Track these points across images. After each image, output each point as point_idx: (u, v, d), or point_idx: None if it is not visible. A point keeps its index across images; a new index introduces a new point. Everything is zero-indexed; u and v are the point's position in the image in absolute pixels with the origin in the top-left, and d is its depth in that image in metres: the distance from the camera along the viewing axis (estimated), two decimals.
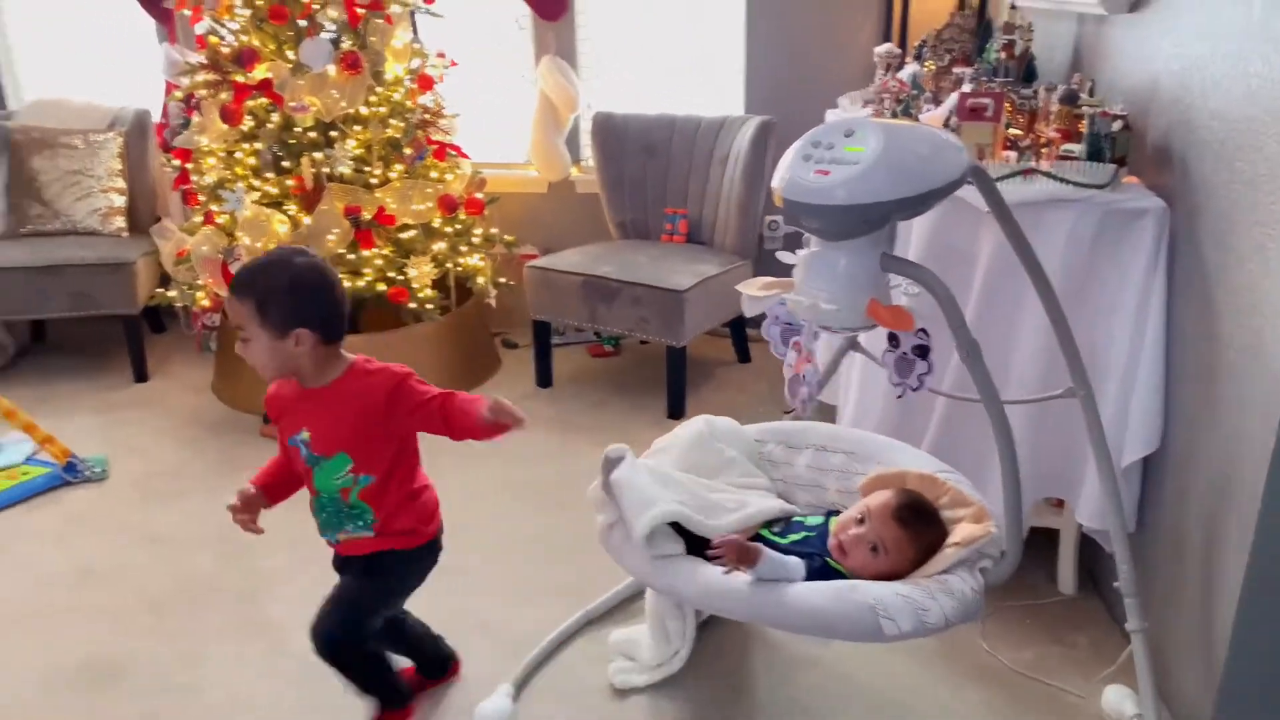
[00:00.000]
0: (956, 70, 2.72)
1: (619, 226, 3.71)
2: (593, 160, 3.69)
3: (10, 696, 2.00)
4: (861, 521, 1.67)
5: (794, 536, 1.76)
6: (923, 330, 1.43)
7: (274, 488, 1.83)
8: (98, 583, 2.38)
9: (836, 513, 1.79)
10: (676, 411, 3.24)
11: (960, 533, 1.64)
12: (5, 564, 2.45)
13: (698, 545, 1.65)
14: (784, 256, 1.50)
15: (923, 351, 1.47)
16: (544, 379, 3.50)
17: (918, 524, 1.66)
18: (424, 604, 2.24)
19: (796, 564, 1.59)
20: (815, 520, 1.79)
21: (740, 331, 3.65)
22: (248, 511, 1.78)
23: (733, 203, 3.41)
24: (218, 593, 2.35)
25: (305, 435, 1.72)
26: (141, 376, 3.53)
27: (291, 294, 1.63)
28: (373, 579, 1.81)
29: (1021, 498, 1.55)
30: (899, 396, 1.53)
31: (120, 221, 3.60)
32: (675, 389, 3.23)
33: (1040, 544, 2.22)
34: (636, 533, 1.60)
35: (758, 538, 1.72)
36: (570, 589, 2.29)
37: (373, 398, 1.68)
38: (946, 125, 2.23)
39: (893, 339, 1.50)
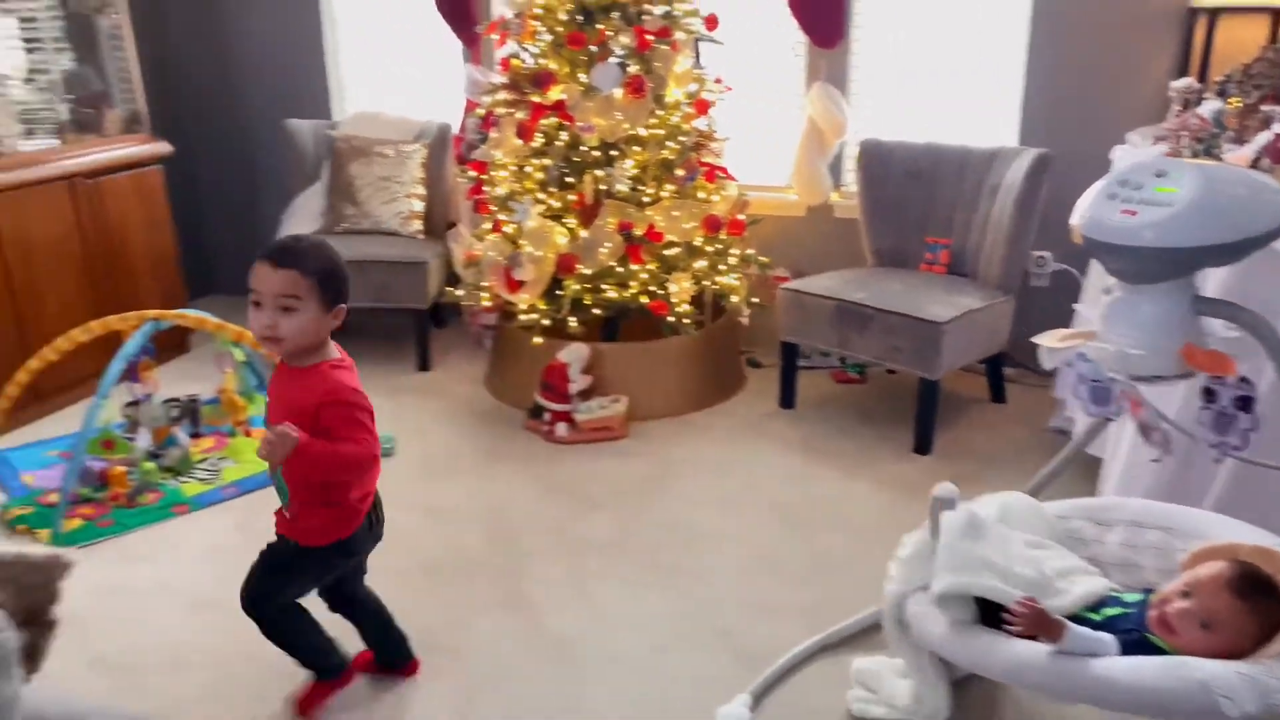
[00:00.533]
0: (1265, 108, 2.54)
1: (876, 253, 3.70)
2: (855, 186, 3.71)
3: None
4: (1188, 594, 1.51)
5: (1109, 612, 1.63)
6: (1244, 379, 1.31)
7: None
8: (383, 545, 2.65)
9: (1154, 590, 1.64)
10: (924, 447, 3.19)
11: None
12: None
13: (987, 607, 1.58)
14: (1082, 309, 1.47)
15: (1245, 403, 1.33)
16: (787, 400, 3.55)
17: (1256, 596, 1.49)
18: (663, 604, 2.37)
19: (1109, 641, 1.48)
20: (1133, 597, 1.65)
21: (997, 370, 3.54)
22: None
23: (1000, 235, 3.32)
24: (483, 566, 2.56)
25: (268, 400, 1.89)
26: (425, 366, 3.90)
27: (341, 273, 1.81)
28: (274, 557, 1.94)
29: None
30: (1217, 460, 1.42)
31: (418, 225, 4.00)
32: (924, 423, 3.19)
33: None
34: (935, 588, 1.57)
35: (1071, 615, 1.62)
36: (808, 610, 2.33)
37: (311, 398, 1.79)
38: (1255, 167, 2.10)
39: (1208, 394, 1.37)
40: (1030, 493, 1.99)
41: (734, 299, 3.54)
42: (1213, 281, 1.94)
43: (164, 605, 2.40)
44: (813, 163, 3.84)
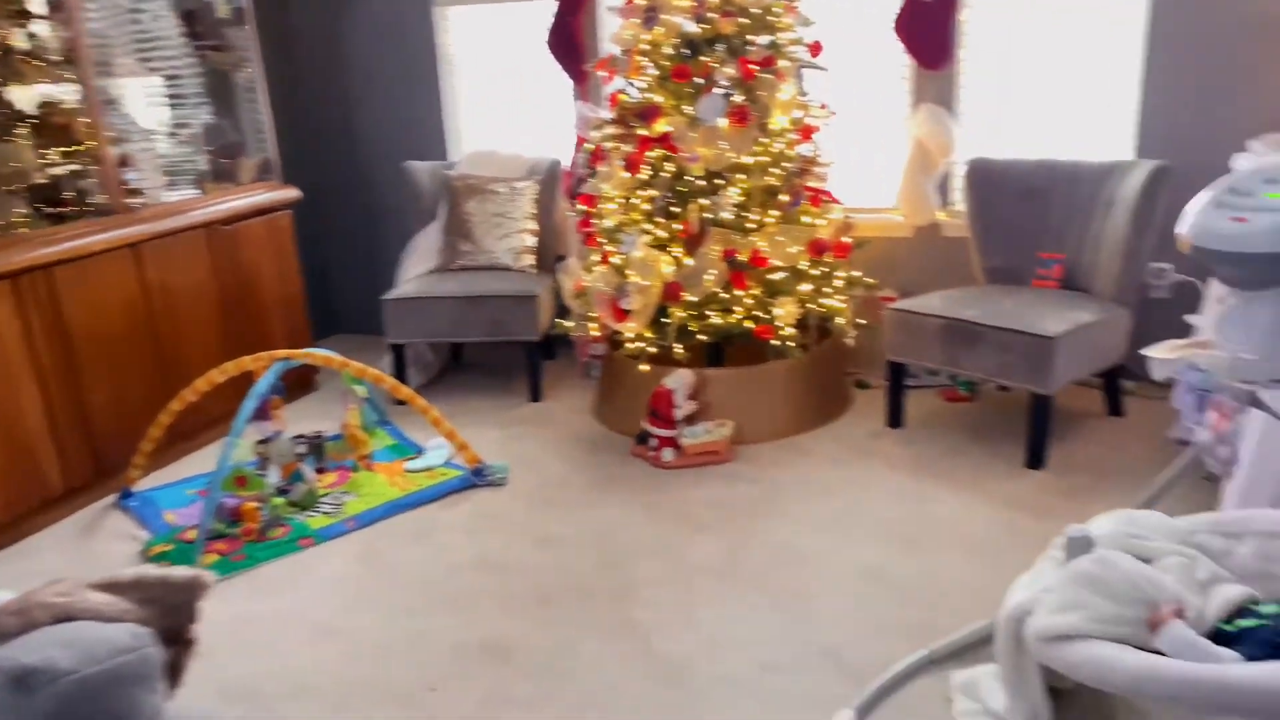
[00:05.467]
0: None
1: (988, 272, 3.64)
2: (963, 205, 3.67)
3: (428, 660, 2.36)
4: None
5: (1244, 623, 1.58)
6: None
7: None
8: (497, 572, 2.74)
9: None
10: (1036, 462, 3.12)
11: None
12: (427, 549, 2.89)
13: None
14: (1193, 319, 1.45)
15: None
16: (895, 419, 3.51)
17: None
18: (770, 625, 2.38)
19: (1227, 655, 1.45)
20: (1271, 609, 1.59)
21: (1114, 383, 3.44)
22: None
23: (1116, 249, 3.24)
24: (593, 592, 2.61)
25: None
26: (536, 396, 4.00)
27: None
28: None
29: None
30: None
31: (530, 259, 4.13)
32: (1037, 438, 3.12)
33: None
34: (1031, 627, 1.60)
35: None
36: (917, 628, 2.31)
37: None
38: None
39: None
40: (1144, 505, 1.93)
41: (839, 321, 3.54)
42: None
43: (289, 634, 2.51)
44: (919, 183, 3.81)
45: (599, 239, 3.57)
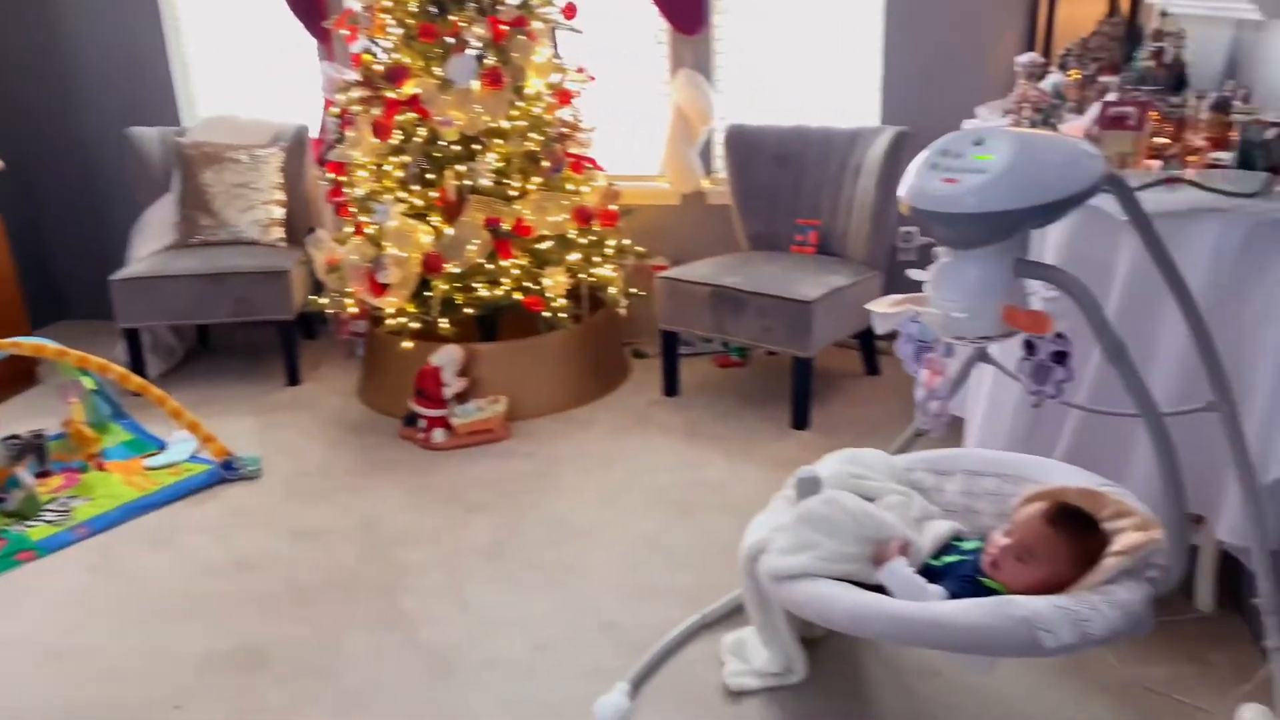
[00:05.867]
0: (1102, 79, 2.63)
1: (750, 238, 3.73)
2: (725, 172, 3.72)
3: (171, 676, 2.15)
4: (1010, 534, 1.66)
5: (948, 558, 1.74)
6: (1060, 335, 1.40)
7: None
8: (249, 572, 2.54)
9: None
10: (801, 423, 3.23)
11: (1122, 541, 1.59)
12: (170, 555, 2.63)
13: None
14: (914, 274, 1.49)
15: (1061, 357, 1.44)
16: (671, 388, 3.54)
17: (1068, 525, 1.62)
18: (544, 603, 2.33)
19: (931, 590, 1.59)
20: (971, 544, 1.77)
21: (870, 344, 3.61)
22: None
23: (865, 214, 3.39)
24: (355, 585, 2.47)
25: None
26: (294, 380, 3.75)
27: None
28: None
29: (1184, 503, 1.48)
30: (1035, 405, 1.50)
31: (279, 232, 3.85)
32: (801, 400, 3.22)
33: None
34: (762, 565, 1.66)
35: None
36: (691, 593, 2.32)
37: None
38: (1089, 135, 2.17)
39: (1028, 346, 1.46)
40: (894, 454, 2.04)
41: (611, 290, 3.51)
42: (1051, 241, 2.01)
43: (10, 662, 2.23)
44: (682, 151, 3.84)
45: (351, 209, 3.37)
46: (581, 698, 1.99)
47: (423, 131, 3.22)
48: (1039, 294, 1.38)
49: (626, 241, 3.62)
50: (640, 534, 2.64)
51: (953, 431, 2.58)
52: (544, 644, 2.19)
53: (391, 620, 2.31)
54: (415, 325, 3.24)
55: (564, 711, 1.98)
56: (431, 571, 2.50)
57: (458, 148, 3.22)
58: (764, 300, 3.16)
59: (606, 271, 3.49)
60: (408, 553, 2.59)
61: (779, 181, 3.63)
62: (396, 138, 3.23)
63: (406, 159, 3.26)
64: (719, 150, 3.85)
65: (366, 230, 3.27)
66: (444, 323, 3.22)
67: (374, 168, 3.32)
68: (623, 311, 3.62)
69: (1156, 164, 1.99)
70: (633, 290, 3.61)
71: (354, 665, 2.16)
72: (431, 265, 3.12)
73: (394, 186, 3.28)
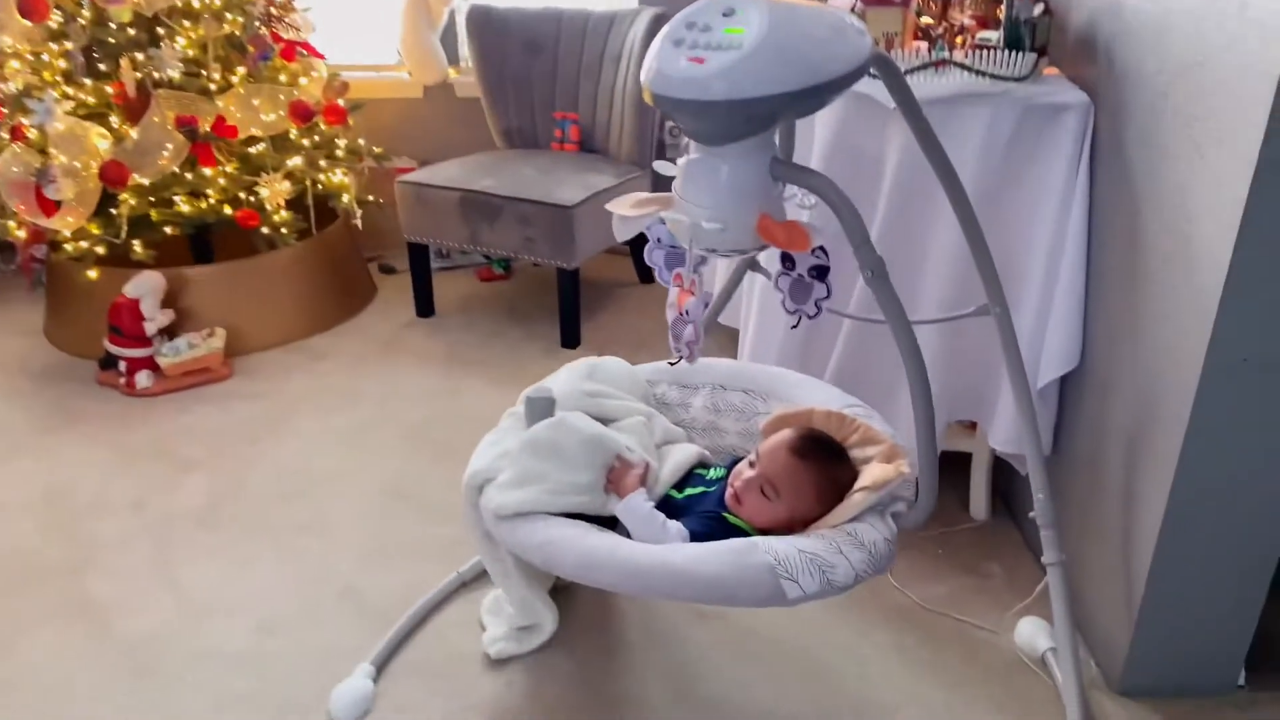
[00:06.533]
0: None
1: (505, 135, 3.38)
2: (471, 61, 3.33)
3: None
4: (754, 464, 1.49)
5: (691, 491, 1.57)
6: (820, 249, 1.22)
7: None
8: None
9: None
10: (571, 340, 2.99)
11: (869, 475, 1.45)
12: None
13: None
14: (662, 167, 1.24)
15: (821, 273, 1.27)
16: (425, 308, 3.20)
17: (816, 456, 1.48)
18: (271, 575, 2.00)
19: (676, 530, 1.41)
20: (716, 473, 1.59)
21: (641, 250, 3.39)
22: None
23: (627, 107, 3.11)
24: (34, 570, 2.04)
25: None
26: None
27: None
28: None
29: (936, 432, 1.35)
30: (794, 326, 1.31)
31: None
32: (568, 316, 2.97)
33: (952, 469, 2.06)
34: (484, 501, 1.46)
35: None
36: (449, 547, 2.05)
37: None
38: (854, 10, 1.98)
39: (787, 260, 1.28)
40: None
41: (344, 199, 3.09)
42: (818, 132, 1.82)
43: None
44: (421, 36, 3.40)
45: (3, 109, 2.74)
46: (317, 687, 1.70)
47: (87, 12, 2.63)
48: (799, 200, 1.17)
49: (361, 141, 3.19)
50: (389, 481, 2.32)
51: (729, 342, 2.43)
52: (271, 625, 1.87)
53: (80, 610, 1.92)
54: (102, 250, 2.71)
55: (295, 705, 1.69)
56: (132, 546, 2.10)
57: (135, 32, 2.66)
58: (521, 206, 2.85)
59: (337, 177, 3.05)
60: (103, 525, 2.17)
61: (533, 71, 3.29)
62: (55, 19, 2.63)
63: (69, 45, 2.66)
64: (463, 34, 3.44)
65: (27, 134, 2.67)
66: (138, 246, 2.70)
67: (31, 57, 2.70)
68: (358, 223, 3.20)
69: (923, 46, 1.83)
70: (370, 198, 3.20)
71: (32, 670, 1.77)
72: (112, 176, 2.58)
73: (55, 80, 2.68)
